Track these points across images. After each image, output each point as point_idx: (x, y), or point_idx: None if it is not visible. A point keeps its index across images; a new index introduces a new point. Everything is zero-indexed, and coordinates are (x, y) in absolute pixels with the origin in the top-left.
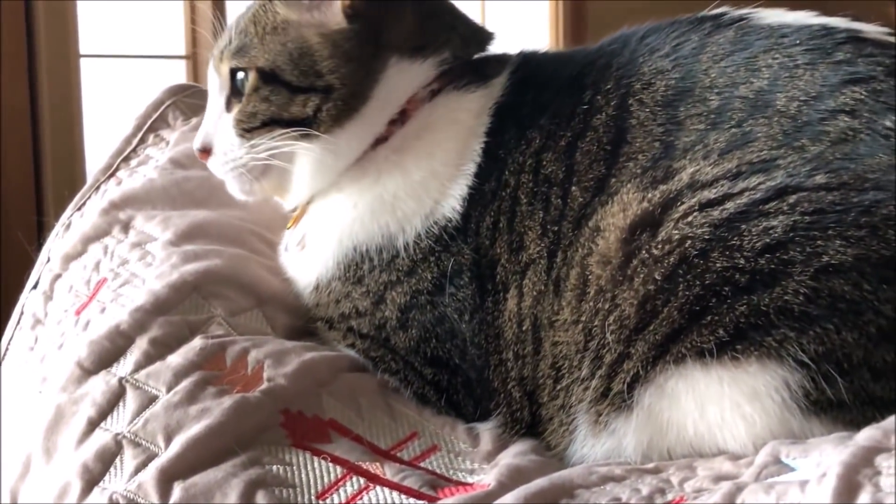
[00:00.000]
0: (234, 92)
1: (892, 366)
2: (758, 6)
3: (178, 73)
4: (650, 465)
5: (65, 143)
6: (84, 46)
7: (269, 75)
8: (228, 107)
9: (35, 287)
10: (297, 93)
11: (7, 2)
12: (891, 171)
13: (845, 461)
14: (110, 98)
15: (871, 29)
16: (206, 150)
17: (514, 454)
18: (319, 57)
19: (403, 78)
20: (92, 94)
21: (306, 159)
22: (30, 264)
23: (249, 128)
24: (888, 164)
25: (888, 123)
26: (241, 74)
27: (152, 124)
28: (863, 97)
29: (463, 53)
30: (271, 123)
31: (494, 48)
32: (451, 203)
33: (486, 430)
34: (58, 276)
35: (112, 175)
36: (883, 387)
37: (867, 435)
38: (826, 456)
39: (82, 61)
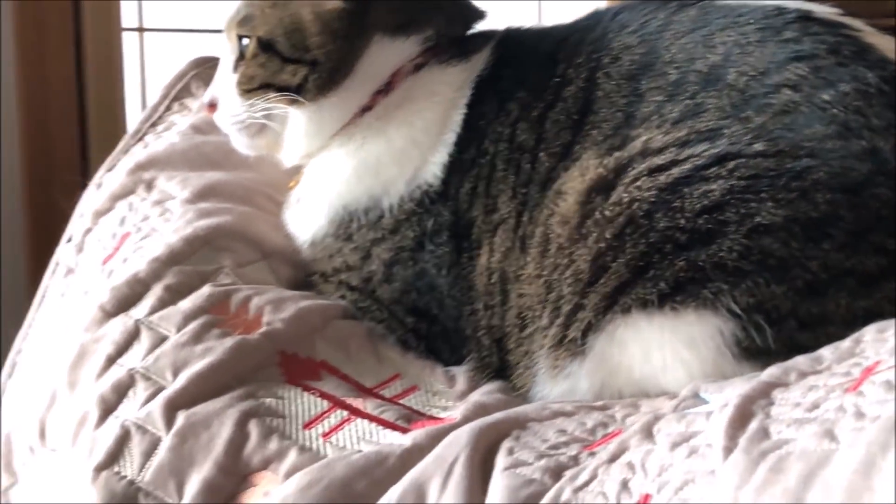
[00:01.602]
0: (241, 56)
1: (817, 317)
2: None
3: None
4: (599, 403)
5: (108, 111)
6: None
7: (265, 44)
8: (235, 69)
9: (69, 241)
10: (288, 63)
11: None
12: (825, 140)
13: (744, 393)
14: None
15: (822, 9)
16: (213, 105)
17: (483, 393)
18: (309, 33)
19: (386, 54)
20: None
21: (295, 122)
22: None
23: (248, 88)
24: (823, 133)
25: (826, 97)
26: (245, 41)
27: (177, 93)
28: (805, 73)
29: (447, 31)
30: (266, 87)
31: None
32: (432, 169)
33: (461, 373)
34: (89, 230)
35: (140, 139)
36: (808, 337)
37: (770, 372)
38: (733, 389)
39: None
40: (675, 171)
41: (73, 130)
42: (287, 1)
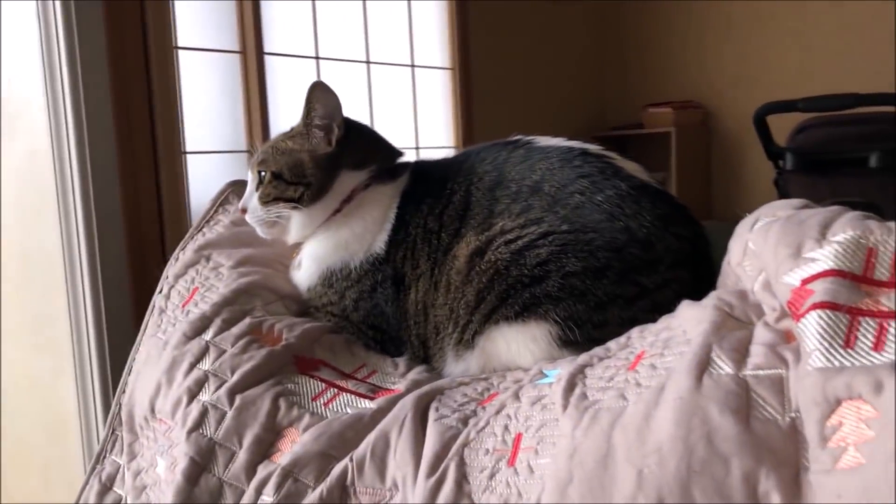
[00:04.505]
0: (260, 181)
1: (603, 322)
2: None
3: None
4: (483, 376)
5: (176, 214)
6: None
7: (276, 175)
8: (257, 188)
9: (160, 292)
10: (290, 185)
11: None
12: (601, 222)
13: (570, 371)
14: None
15: (593, 147)
16: (244, 210)
17: (416, 373)
18: (306, 167)
19: (349, 180)
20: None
21: (295, 220)
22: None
23: (266, 201)
24: (599, 219)
25: (599, 198)
26: (262, 173)
27: (221, 202)
28: (587, 185)
29: (383, 165)
30: (277, 199)
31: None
32: (379, 245)
33: (402, 361)
34: (172, 286)
35: (200, 230)
36: (599, 333)
37: (582, 358)
38: (562, 368)
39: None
40: (520, 243)
41: (155, 229)
42: (290, 150)
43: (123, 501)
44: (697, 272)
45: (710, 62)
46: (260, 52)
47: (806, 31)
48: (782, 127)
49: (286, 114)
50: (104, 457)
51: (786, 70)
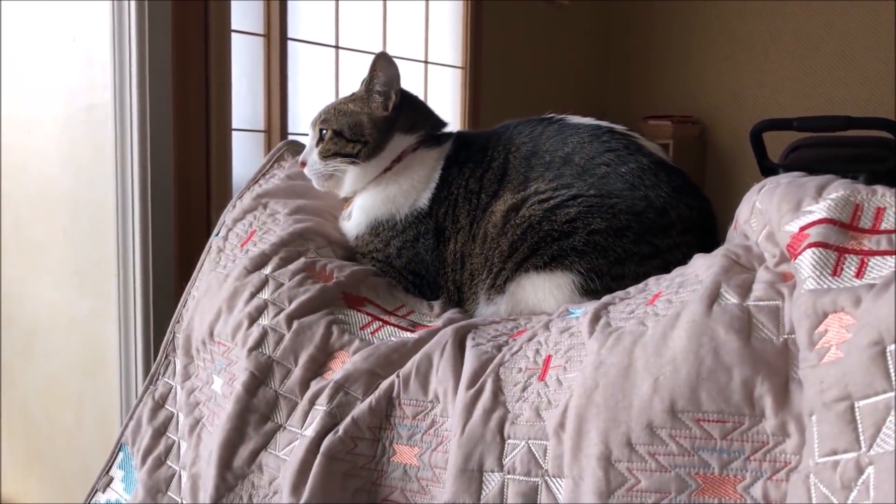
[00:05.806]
0: (320, 138)
1: (620, 275)
2: None
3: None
4: (511, 317)
5: (222, 181)
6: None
7: (337, 133)
8: (316, 145)
9: (217, 234)
10: (349, 142)
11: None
12: (623, 190)
13: (595, 307)
14: None
15: (619, 127)
16: (304, 163)
17: (451, 313)
18: (364, 127)
19: (400, 142)
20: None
21: (350, 174)
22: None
23: (325, 156)
24: (622, 187)
25: (623, 169)
26: (324, 131)
27: (277, 158)
28: (612, 158)
29: (430, 131)
30: (335, 155)
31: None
32: (423, 201)
33: (437, 304)
34: (230, 229)
35: (256, 182)
36: (616, 285)
37: (605, 298)
38: (587, 307)
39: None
40: (552, 202)
41: (203, 190)
42: (351, 111)
43: (175, 416)
44: (703, 239)
45: (710, 80)
46: (284, 37)
47: (804, 56)
48: (775, 145)
49: (304, 96)
50: (157, 378)
51: (782, 92)
